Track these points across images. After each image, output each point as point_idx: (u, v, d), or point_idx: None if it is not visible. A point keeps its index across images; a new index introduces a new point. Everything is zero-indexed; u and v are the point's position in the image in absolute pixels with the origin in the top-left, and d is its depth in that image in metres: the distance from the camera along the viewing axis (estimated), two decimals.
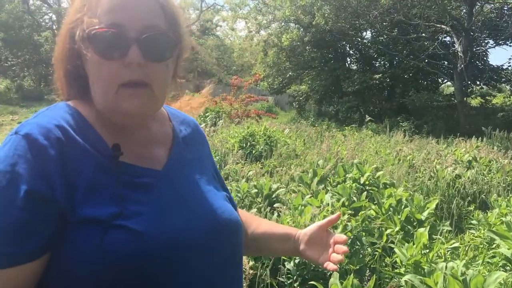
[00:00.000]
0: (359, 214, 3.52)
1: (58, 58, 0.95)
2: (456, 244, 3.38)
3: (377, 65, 22.24)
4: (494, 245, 3.71)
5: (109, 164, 0.88)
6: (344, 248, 1.11)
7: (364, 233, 3.50)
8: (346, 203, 3.95)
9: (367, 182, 4.61)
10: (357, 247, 3.18)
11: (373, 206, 3.92)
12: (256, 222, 1.29)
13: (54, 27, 28.20)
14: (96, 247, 0.80)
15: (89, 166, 0.85)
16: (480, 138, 9.61)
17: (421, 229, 3.37)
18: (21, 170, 0.78)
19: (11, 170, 0.79)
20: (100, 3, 0.86)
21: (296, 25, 21.99)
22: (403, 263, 3.09)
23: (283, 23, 22.47)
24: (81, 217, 0.82)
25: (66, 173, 0.82)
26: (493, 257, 3.54)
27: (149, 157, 0.96)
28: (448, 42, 18.30)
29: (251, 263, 2.87)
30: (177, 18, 0.94)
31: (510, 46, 18.25)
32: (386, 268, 3.35)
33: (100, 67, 0.86)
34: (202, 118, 10.87)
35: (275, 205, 4.11)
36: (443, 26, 16.18)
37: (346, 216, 3.27)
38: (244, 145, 7.27)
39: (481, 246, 3.75)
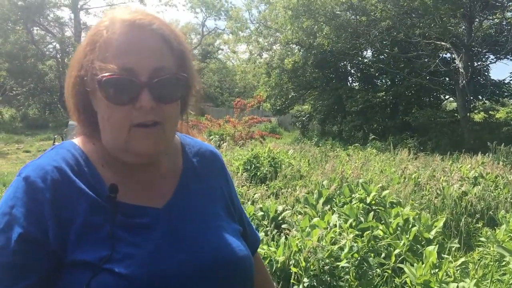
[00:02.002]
0: (364, 235, 3.50)
1: (69, 97, 0.96)
2: (462, 259, 3.34)
3: (378, 83, 22.33)
4: (504, 262, 3.67)
5: (105, 204, 0.88)
6: None
7: (372, 254, 3.47)
8: (353, 224, 3.93)
9: (373, 202, 4.59)
10: (365, 268, 3.15)
11: (380, 226, 3.90)
12: None
13: (58, 56, 28.58)
14: None
15: (84, 207, 0.86)
16: (485, 154, 9.56)
17: (430, 247, 3.34)
18: (18, 213, 0.82)
19: (9, 212, 0.83)
20: (109, 46, 0.87)
21: (297, 47, 22.21)
22: (412, 283, 3.06)
23: (284, 45, 22.69)
24: (72, 259, 0.83)
25: (60, 215, 0.84)
26: (504, 274, 3.50)
27: (152, 194, 0.95)
28: (449, 59, 18.37)
29: None
30: (185, 56, 0.95)
31: (511, 60, 18.34)
32: None
33: (110, 111, 0.87)
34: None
35: (283, 226, 4.10)
36: (443, 43, 16.29)
37: (351, 236, 3.25)
38: (248, 167, 7.27)
39: (491, 263, 3.71)
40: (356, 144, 13.89)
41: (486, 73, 18.85)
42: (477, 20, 16.55)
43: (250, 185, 6.14)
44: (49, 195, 0.84)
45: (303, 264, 3.03)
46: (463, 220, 4.64)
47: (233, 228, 1.04)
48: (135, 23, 0.88)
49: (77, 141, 0.97)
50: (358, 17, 18.37)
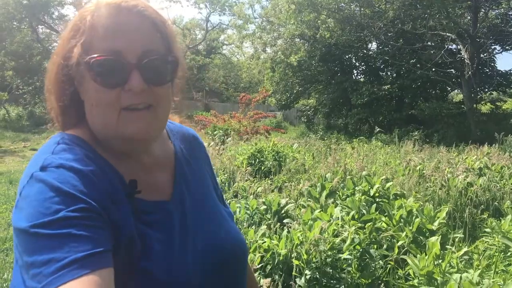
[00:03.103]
0: (366, 226, 3.48)
1: (51, 87, 0.93)
2: (465, 249, 3.32)
3: (384, 76, 22.23)
4: (509, 253, 3.65)
5: (127, 200, 0.86)
6: None
7: (375, 246, 3.46)
8: (356, 216, 3.91)
9: (376, 194, 4.57)
10: (367, 260, 3.14)
11: (383, 218, 3.88)
12: None
13: None
14: None
15: (114, 199, 0.83)
16: (492, 145, 9.50)
17: (433, 238, 3.32)
18: (75, 191, 0.77)
19: (63, 191, 0.76)
20: (95, 29, 0.85)
21: (301, 40, 22.11)
22: (416, 274, 3.04)
23: (288, 40, 22.60)
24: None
25: (102, 200, 0.80)
26: (509, 265, 3.48)
27: (155, 186, 0.95)
28: (455, 50, 18.25)
29: (262, 280, 2.84)
30: (172, 39, 0.93)
31: None
32: (399, 281, 3.30)
33: (99, 95, 0.85)
34: (210, 137, 10.92)
35: (284, 221, 4.09)
36: (448, 34, 16.17)
37: (353, 228, 3.24)
38: (252, 161, 7.27)
39: (496, 254, 3.69)
40: (361, 137, 13.84)
41: (492, 64, 18.72)
42: (482, 10, 16.40)
43: (254, 179, 6.14)
44: (94, 179, 0.81)
45: (305, 256, 3.03)
46: (467, 211, 4.61)
47: (227, 212, 1.07)
48: (121, 6, 0.86)
49: (74, 132, 0.92)
50: (362, 9, 18.26)
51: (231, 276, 0.96)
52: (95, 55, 0.83)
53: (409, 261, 3.12)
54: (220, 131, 11.95)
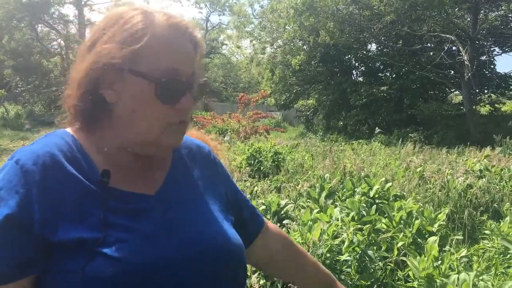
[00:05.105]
0: (364, 228, 3.47)
1: (76, 83, 0.93)
2: (464, 252, 3.31)
3: (383, 77, 22.22)
4: (508, 255, 3.64)
5: (97, 190, 0.88)
6: None
7: (374, 247, 3.45)
8: (356, 218, 3.90)
9: (376, 195, 4.55)
10: (366, 261, 3.13)
11: (383, 220, 3.87)
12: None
13: (63, 52, 28.64)
14: (77, 274, 0.81)
15: (75, 192, 0.87)
16: (491, 146, 9.50)
17: (431, 239, 3.31)
18: (6, 195, 0.82)
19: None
20: (152, 41, 0.88)
21: (300, 41, 22.07)
22: (415, 276, 3.03)
23: (288, 41, 22.55)
24: (63, 243, 0.83)
25: (48, 199, 0.84)
26: (508, 267, 3.47)
27: (144, 181, 0.97)
28: (454, 52, 18.24)
29: (262, 281, 2.83)
30: (203, 60, 1.03)
31: None
32: (399, 282, 3.29)
33: (152, 108, 0.90)
34: None
35: (284, 222, 4.07)
36: (448, 35, 16.17)
37: (352, 229, 3.23)
38: (251, 162, 7.25)
39: (496, 256, 3.68)
40: (360, 140, 13.83)
41: (491, 66, 18.73)
42: (482, 12, 16.41)
43: (253, 180, 6.12)
44: (38, 178, 0.84)
45: None
46: (466, 212, 4.60)
47: (226, 217, 1.06)
48: (179, 25, 0.92)
49: (70, 129, 0.98)
50: (361, 11, 18.23)
51: (217, 273, 0.93)
52: (164, 79, 0.87)
53: (409, 263, 3.11)
54: (215, 129, 11.93)
